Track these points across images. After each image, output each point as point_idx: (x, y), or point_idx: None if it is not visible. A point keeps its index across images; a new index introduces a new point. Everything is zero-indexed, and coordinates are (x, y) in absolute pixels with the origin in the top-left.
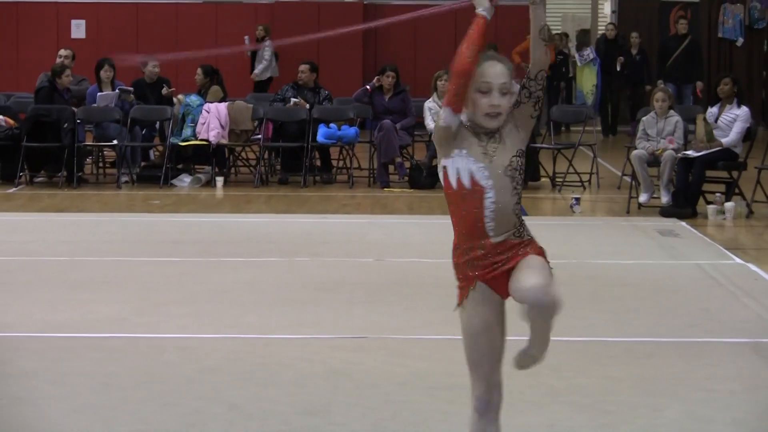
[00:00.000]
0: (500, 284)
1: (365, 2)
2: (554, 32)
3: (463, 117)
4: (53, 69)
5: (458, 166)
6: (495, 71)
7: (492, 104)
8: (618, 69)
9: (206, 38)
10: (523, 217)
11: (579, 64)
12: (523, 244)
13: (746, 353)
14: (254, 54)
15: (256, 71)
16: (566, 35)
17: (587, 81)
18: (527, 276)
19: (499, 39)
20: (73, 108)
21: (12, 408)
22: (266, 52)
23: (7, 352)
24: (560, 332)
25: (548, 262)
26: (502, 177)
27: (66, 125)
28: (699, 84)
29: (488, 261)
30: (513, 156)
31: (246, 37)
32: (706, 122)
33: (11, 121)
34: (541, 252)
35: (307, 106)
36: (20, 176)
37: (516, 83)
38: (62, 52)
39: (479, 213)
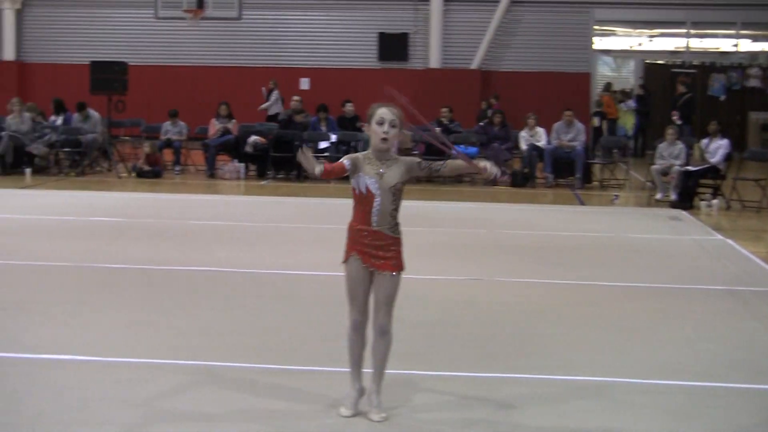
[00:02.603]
0: (368, 262)
1: (482, 69)
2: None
3: (361, 154)
4: (292, 109)
5: (358, 182)
6: (387, 112)
7: (384, 131)
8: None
9: (381, 93)
10: None
11: (624, 110)
12: (391, 246)
13: (723, 295)
14: (268, 98)
15: (265, 107)
16: (613, 92)
17: (628, 121)
18: (379, 313)
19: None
20: (302, 132)
21: (173, 311)
22: (273, 96)
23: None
24: (610, 279)
25: (402, 271)
26: (387, 191)
27: (297, 143)
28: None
29: (364, 242)
30: (398, 182)
31: (263, 87)
32: (700, 148)
33: (263, 140)
34: (399, 266)
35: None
36: (268, 174)
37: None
38: (295, 98)
39: (367, 208)
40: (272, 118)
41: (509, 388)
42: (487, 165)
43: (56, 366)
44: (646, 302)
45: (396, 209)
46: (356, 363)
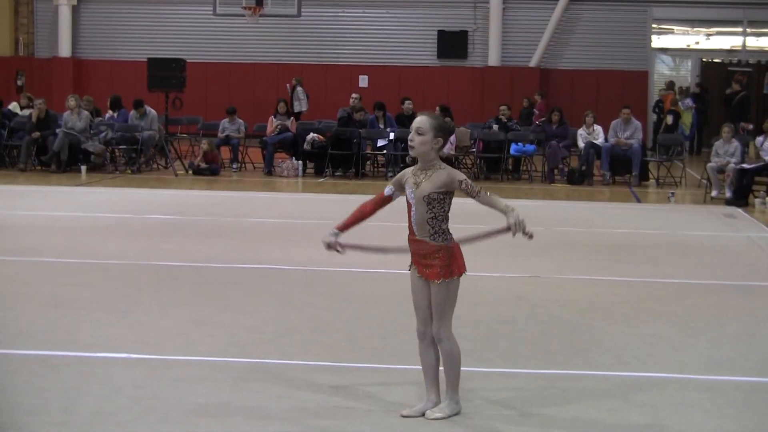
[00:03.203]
0: (421, 272)
1: (541, 67)
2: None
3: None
4: (351, 106)
5: (406, 191)
6: (417, 120)
7: (410, 138)
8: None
9: (440, 91)
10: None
11: (682, 108)
12: (435, 253)
13: None
14: (292, 95)
15: (295, 107)
16: (674, 90)
17: (686, 119)
18: (434, 321)
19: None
20: (359, 130)
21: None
22: (300, 94)
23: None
24: (666, 276)
25: (449, 278)
26: (420, 200)
27: (355, 140)
28: (745, 125)
29: (414, 251)
30: (432, 191)
31: (288, 84)
32: (755, 146)
33: (321, 137)
34: (444, 274)
35: (495, 126)
36: (326, 172)
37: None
38: (354, 95)
39: (409, 217)
40: (296, 115)
41: (565, 384)
42: (511, 223)
43: (112, 364)
44: (701, 299)
45: (434, 218)
46: (426, 373)
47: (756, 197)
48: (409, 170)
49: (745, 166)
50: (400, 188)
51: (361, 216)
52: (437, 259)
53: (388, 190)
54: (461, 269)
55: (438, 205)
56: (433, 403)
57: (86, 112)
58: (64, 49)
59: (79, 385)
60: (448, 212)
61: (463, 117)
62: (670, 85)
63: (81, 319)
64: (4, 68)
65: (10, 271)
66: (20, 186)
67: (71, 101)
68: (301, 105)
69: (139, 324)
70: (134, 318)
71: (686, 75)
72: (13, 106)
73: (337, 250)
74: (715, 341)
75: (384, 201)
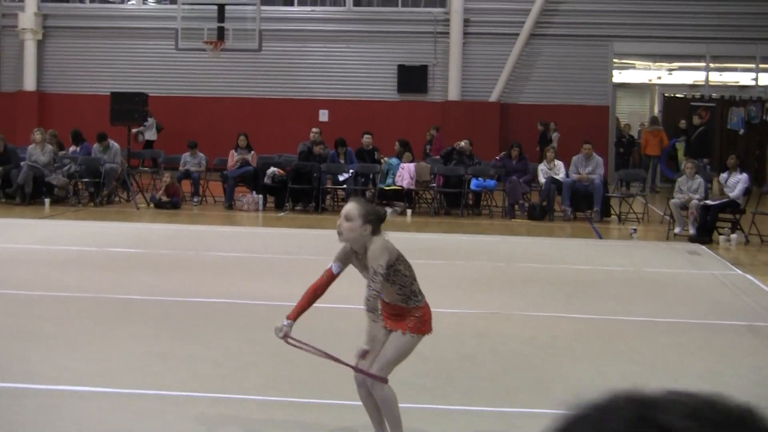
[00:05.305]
0: (388, 324)
1: (501, 102)
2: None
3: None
4: (313, 140)
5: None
6: (346, 207)
7: (338, 224)
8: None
9: (400, 125)
10: None
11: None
12: (407, 314)
13: (744, 331)
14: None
15: (143, 136)
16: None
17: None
18: (374, 364)
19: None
20: (320, 164)
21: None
22: (148, 123)
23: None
24: (628, 314)
25: (419, 334)
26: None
27: (315, 175)
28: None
29: (386, 310)
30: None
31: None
32: (719, 183)
33: (282, 171)
34: (413, 328)
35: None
36: (286, 206)
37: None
38: (314, 129)
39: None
40: (148, 143)
41: (526, 423)
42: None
43: (74, 397)
44: (665, 337)
45: (402, 287)
46: (371, 416)
47: (720, 234)
48: (349, 247)
49: (708, 202)
50: (346, 262)
51: (314, 298)
52: (412, 318)
53: (336, 268)
54: (428, 330)
55: (395, 275)
56: None
57: (50, 146)
58: (29, 83)
59: (41, 417)
60: (411, 275)
61: (422, 152)
62: (655, 120)
63: (43, 351)
64: None
65: None
66: None
67: (37, 135)
68: (150, 134)
69: (100, 357)
70: (96, 351)
71: (647, 110)
72: None
73: (288, 342)
74: (678, 379)
75: (333, 279)
